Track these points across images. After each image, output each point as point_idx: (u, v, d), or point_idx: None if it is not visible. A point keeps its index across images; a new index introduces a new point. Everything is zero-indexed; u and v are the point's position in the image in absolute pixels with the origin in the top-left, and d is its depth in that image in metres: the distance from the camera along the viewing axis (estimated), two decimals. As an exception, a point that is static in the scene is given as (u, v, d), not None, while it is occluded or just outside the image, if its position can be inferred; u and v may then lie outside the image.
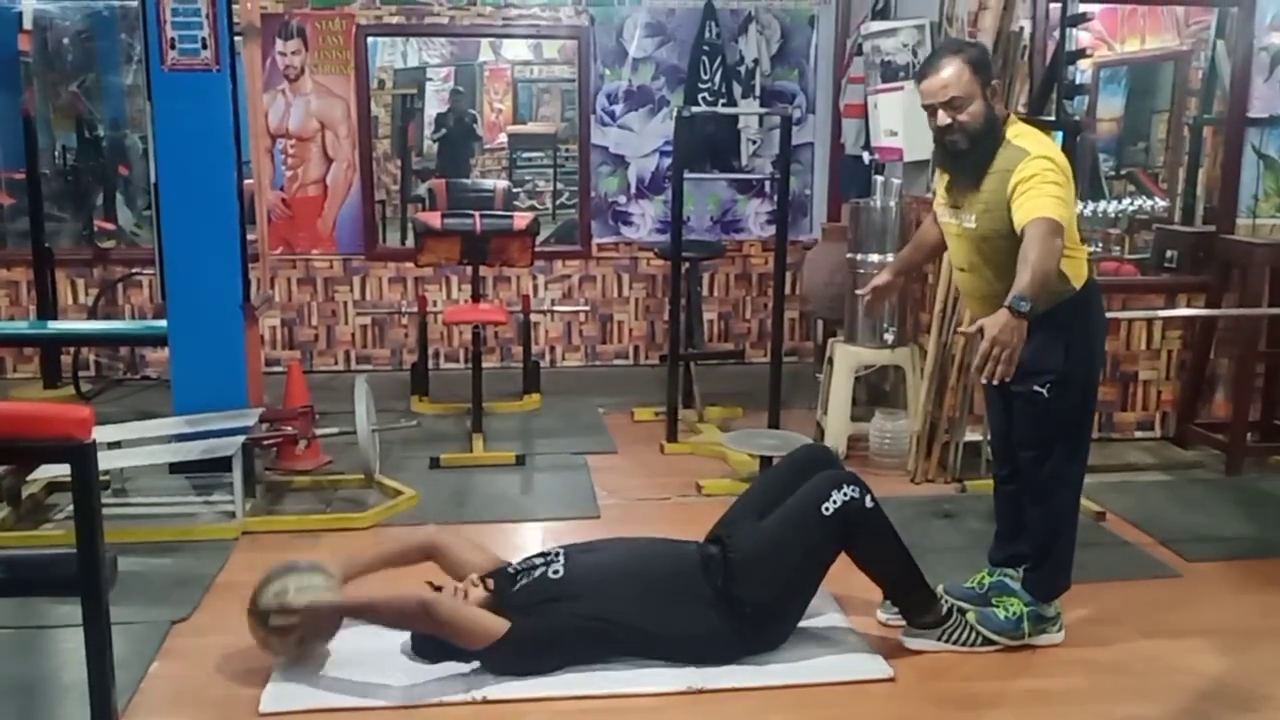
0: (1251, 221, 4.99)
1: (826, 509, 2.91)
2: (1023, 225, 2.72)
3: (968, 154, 2.93)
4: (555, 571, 2.99)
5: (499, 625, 2.84)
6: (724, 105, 6.52)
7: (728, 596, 2.96)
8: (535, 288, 6.67)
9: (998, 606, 3.14)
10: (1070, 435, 3.04)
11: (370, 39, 6.62)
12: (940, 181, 3.15)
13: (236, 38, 4.27)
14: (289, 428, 4.38)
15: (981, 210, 2.93)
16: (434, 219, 5.67)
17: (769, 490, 3.20)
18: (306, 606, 2.87)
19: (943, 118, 2.92)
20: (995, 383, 2.61)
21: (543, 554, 3.13)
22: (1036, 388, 2.97)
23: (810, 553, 2.99)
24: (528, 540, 3.97)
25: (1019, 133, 2.94)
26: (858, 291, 3.45)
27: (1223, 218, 5.01)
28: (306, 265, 6.55)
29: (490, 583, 2.98)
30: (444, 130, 9.82)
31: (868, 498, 2.96)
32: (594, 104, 6.61)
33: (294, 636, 2.90)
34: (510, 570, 3.08)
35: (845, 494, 2.93)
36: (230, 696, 2.82)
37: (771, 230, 6.22)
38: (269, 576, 2.96)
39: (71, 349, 6.02)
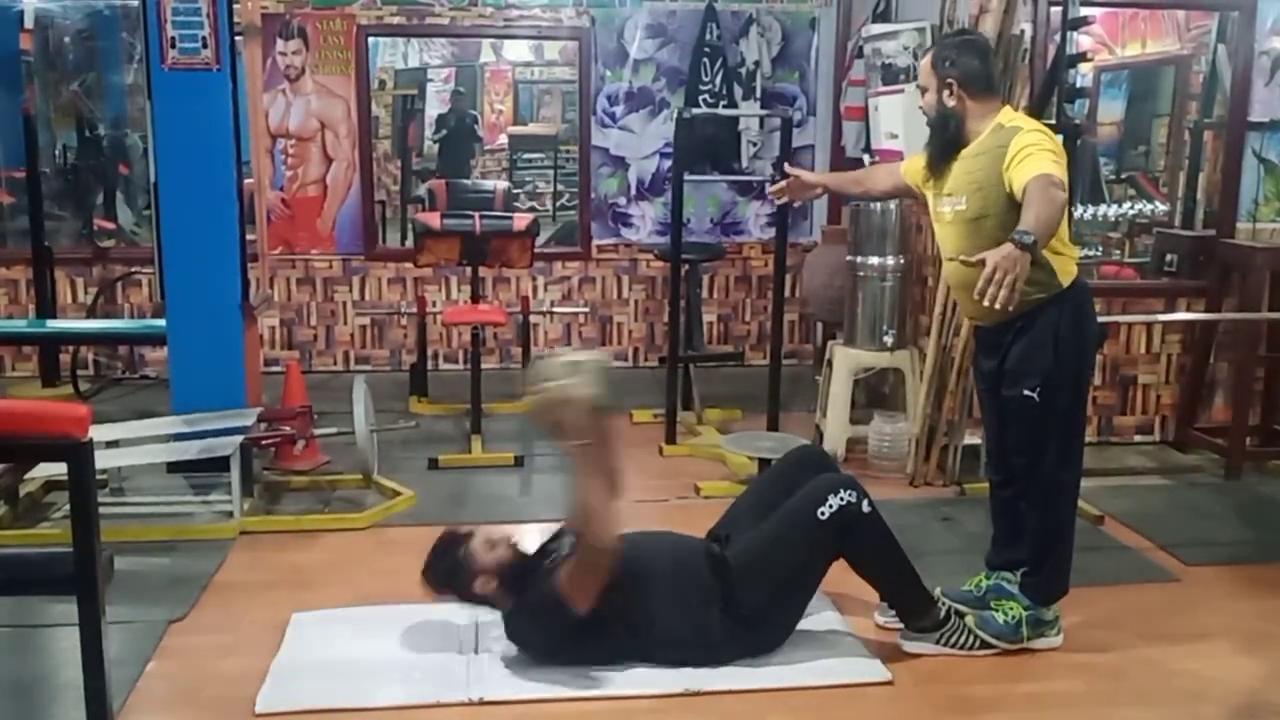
0: (1251, 226, 5.00)
1: (822, 514, 2.90)
2: (1024, 184, 2.75)
3: (931, 135, 3.13)
4: (569, 549, 2.95)
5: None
6: (724, 107, 6.51)
7: (726, 596, 2.95)
8: (535, 289, 6.67)
9: (996, 610, 3.13)
10: (1063, 438, 3.04)
11: (371, 39, 6.63)
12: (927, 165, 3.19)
13: (237, 37, 4.27)
14: (287, 427, 4.38)
15: (974, 190, 2.96)
16: (434, 219, 5.67)
17: (766, 492, 3.20)
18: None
19: (918, 98, 3.15)
20: (997, 306, 2.52)
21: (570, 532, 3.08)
22: (1026, 392, 2.98)
23: (805, 558, 2.99)
24: (526, 542, 3.96)
25: (1014, 118, 3.02)
26: (789, 172, 3.59)
27: (1223, 222, 5.01)
28: (306, 265, 6.55)
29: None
30: (444, 131, 9.82)
31: (865, 502, 2.94)
32: (595, 105, 6.61)
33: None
34: (539, 550, 3.11)
35: (842, 498, 2.91)
36: (226, 696, 2.81)
37: (771, 232, 6.22)
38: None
39: (70, 348, 6.02)
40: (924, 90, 3.10)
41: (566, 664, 2.94)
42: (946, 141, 3.05)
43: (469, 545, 3.03)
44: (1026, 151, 2.80)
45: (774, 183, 3.77)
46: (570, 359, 2.79)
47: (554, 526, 3.23)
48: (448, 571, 3.02)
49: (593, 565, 2.80)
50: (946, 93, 3.01)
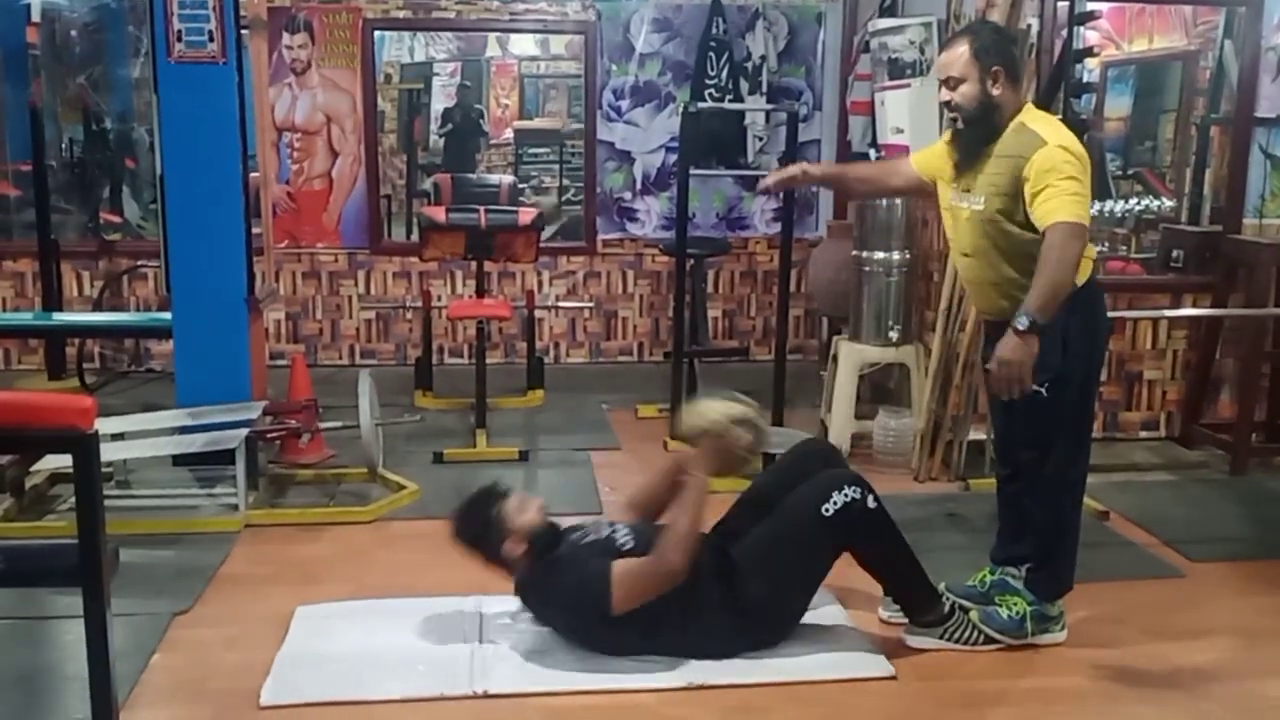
0: (1258, 221, 4.98)
1: (827, 510, 2.90)
2: (1043, 229, 2.75)
3: (963, 133, 3.00)
4: (624, 542, 2.98)
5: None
6: (730, 102, 6.51)
7: (729, 592, 2.96)
8: (540, 283, 6.66)
9: (1001, 605, 3.13)
10: (1071, 434, 3.03)
11: (377, 33, 6.62)
12: (948, 161, 3.11)
13: (243, 31, 4.27)
14: (292, 421, 4.38)
15: (992, 192, 2.93)
16: (439, 213, 5.66)
17: (772, 486, 3.19)
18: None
19: (943, 94, 3.00)
20: (1017, 399, 2.75)
21: (608, 523, 3.16)
22: (1035, 387, 2.96)
23: (808, 553, 2.99)
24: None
25: (1035, 118, 2.96)
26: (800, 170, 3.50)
27: (1229, 217, 5.00)
28: (311, 259, 6.56)
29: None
30: (450, 125, 9.81)
31: (870, 498, 2.94)
32: (600, 100, 6.60)
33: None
34: (565, 527, 3.12)
35: (846, 494, 2.91)
36: (231, 689, 2.82)
37: (777, 227, 6.21)
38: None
39: (76, 341, 6.03)
40: (959, 82, 2.92)
41: (579, 644, 2.97)
42: (988, 133, 2.94)
43: (504, 505, 3.02)
44: (1046, 181, 2.76)
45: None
46: (746, 413, 3.05)
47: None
48: (480, 528, 3.01)
49: (659, 581, 2.84)
50: (991, 81, 2.91)
